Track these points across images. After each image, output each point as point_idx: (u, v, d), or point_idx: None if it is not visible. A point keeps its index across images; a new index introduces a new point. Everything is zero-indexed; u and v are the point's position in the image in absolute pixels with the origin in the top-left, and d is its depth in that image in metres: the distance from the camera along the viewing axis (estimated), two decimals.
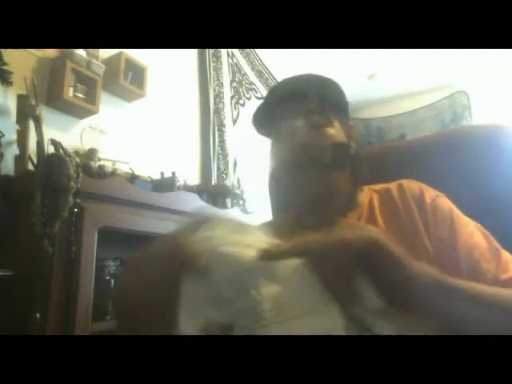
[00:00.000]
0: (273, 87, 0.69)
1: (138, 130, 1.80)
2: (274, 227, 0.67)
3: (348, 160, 0.61)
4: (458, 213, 0.58)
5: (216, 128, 2.27)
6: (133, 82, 1.70)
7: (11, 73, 1.24)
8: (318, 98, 0.62)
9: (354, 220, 0.61)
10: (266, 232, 0.42)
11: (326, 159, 0.57)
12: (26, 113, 1.25)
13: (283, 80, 0.69)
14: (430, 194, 0.60)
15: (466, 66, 3.37)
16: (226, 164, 2.30)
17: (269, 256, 0.37)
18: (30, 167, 1.22)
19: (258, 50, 2.85)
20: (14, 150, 1.26)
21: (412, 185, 0.62)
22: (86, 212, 1.02)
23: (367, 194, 0.66)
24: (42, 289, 0.94)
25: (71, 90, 1.43)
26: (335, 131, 0.62)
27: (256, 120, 0.70)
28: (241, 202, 2.02)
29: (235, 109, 2.53)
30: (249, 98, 2.72)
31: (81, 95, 1.46)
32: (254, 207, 2.04)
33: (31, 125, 1.26)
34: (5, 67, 1.23)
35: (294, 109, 0.62)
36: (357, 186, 0.65)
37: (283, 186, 0.62)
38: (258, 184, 2.32)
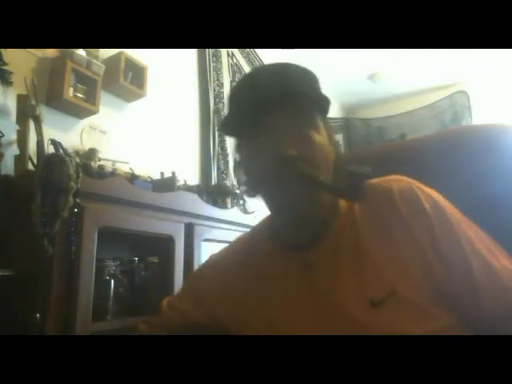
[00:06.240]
0: (248, 82, 0.57)
1: (138, 130, 1.79)
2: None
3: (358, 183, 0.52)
4: (458, 213, 0.54)
5: (216, 128, 2.27)
6: (133, 82, 1.70)
7: (11, 73, 1.24)
8: (306, 100, 0.54)
9: (338, 230, 0.56)
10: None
11: (315, 175, 0.52)
12: (26, 113, 1.25)
13: (260, 71, 0.60)
14: (425, 195, 0.54)
15: (466, 66, 3.37)
16: (226, 164, 2.29)
17: None
18: (30, 167, 1.22)
19: (258, 50, 2.84)
20: (14, 150, 1.25)
21: (400, 184, 0.56)
22: (86, 212, 1.02)
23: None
24: (42, 289, 0.94)
25: (71, 89, 1.42)
26: (322, 138, 0.55)
27: (230, 124, 0.59)
28: (241, 201, 2.01)
29: None
30: None
31: (81, 95, 1.46)
32: (254, 207, 2.04)
33: (31, 125, 1.25)
34: (5, 67, 1.23)
35: (279, 112, 0.53)
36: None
37: (264, 194, 0.58)
38: None
